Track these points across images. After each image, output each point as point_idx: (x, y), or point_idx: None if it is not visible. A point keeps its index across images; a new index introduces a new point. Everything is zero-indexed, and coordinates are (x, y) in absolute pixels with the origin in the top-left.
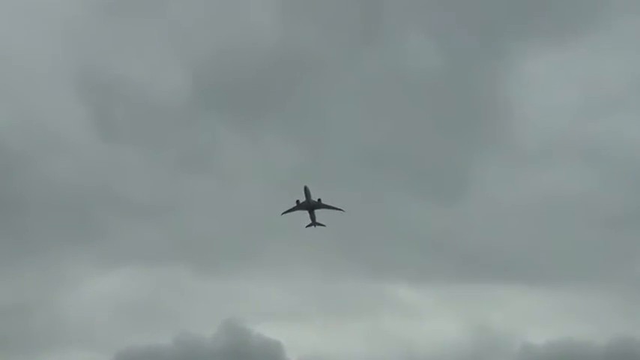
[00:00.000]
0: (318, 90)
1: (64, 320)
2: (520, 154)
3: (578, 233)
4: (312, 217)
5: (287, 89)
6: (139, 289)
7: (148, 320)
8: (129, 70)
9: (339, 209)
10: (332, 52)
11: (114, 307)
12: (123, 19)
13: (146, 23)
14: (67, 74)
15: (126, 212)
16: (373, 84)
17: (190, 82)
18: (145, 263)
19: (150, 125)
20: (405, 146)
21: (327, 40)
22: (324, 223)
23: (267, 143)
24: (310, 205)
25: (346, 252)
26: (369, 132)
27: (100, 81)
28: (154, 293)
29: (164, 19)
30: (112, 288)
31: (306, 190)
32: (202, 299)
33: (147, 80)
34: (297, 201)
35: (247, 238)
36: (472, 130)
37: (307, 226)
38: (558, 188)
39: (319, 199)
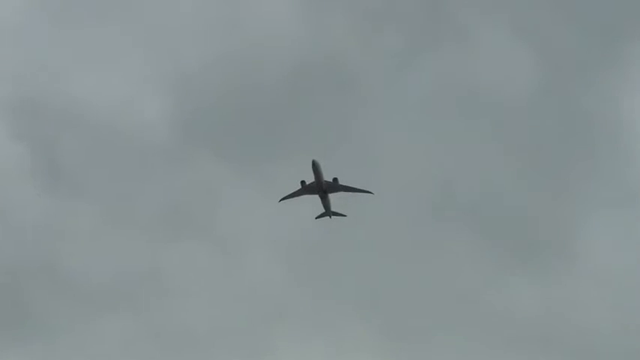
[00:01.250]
0: (355, 114)
1: None
2: None
3: None
4: (326, 205)
5: (311, 114)
6: None
7: None
8: (86, 92)
9: (366, 191)
10: (375, 59)
11: None
12: (80, 23)
13: (113, 28)
14: None
15: (81, 298)
16: (434, 104)
17: (173, 107)
18: None
19: (115, 170)
20: (481, 192)
21: (368, 42)
22: (344, 213)
23: (284, 191)
24: (321, 187)
25: (401, 350)
26: (428, 171)
27: (46, 108)
28: None
29: (136, 21)
30: None
31: (314, 166)
32: None
33: (112, 107)
34: (303, 182)
35: (257, 332)
36: (576, 169)
37: (318, 217)
38: None
39: (335, 179)
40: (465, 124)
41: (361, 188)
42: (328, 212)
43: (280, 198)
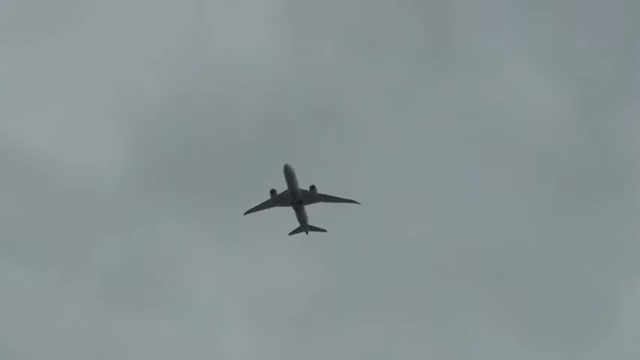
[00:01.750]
0: (346, 158)
1: None
2: None
3: None
4: (302, 218)
5: (293, 157)
6: None
7: None
8: (20, 133)
9: (351, 201)
10: (370, 91)
11: None
12: (13, 47)
13: (52, 55)
14: None
15: None
16: (441, 144)
17: (129, 153)
18: None
19: (57, 228)
20: (504, 253)
21: (362, 71)
22: (324, 228)
23: (261, 251)
24: (296, 197)
25: None
26: (435, 228)
27: None
28: None
29: (85, 48)
30: None
31: (287, 170)
32: None
33: (51, 151)
34: (273, 191)
35: None
36: (614, 219)
37: (292, 233)
38: None
39: (312, 187)
40: (479, 168)
41: (345, 197)
42: (304, 227)
43: (245, 211)
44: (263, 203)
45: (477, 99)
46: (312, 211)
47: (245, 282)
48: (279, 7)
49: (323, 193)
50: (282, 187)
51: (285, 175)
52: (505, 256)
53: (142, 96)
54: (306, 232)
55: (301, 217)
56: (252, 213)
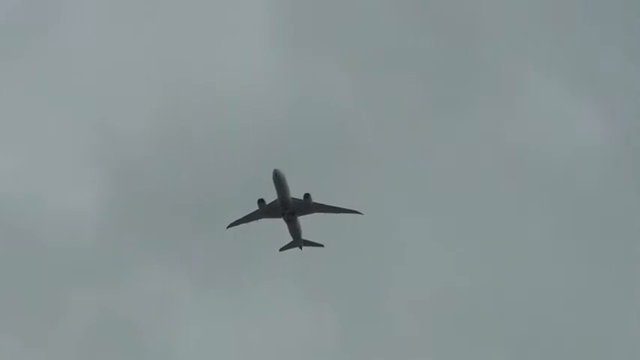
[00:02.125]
0: (352, 196)
1: None
2: None
3: None
4: (294, 230)
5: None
6: None
7: None
8: None
9: (352, 211)
10: (380, 122)
11: None
12: None
13: (23, 80)
14: None
15: None
16: (460, 180)
17: (109, 194)
18: None
19: (30, 280)
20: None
21: (371, 97)
22: (320, 243)
23: (260, 298)
24: (287, 207)
25: None
26: (451, 273)
27: None
28: None
29: (60, 71)
30: None
31: (276, 176)
32: None
33: (21, 196)
34: (261, 201)
35: None
36: None
37: (283, 249)
38: None
39: (307, 195)
40: (503, 206)
41: (345, 207)
42: (298, 242)
43: (229, 224)
44: (249, 215)
45: (506, 130)
46: (306, 223)
47: (235, 332)
48: (281, 27)
49: (319, 202)
50: (271, 196)
51: (275, 182)
52: (527, 307)
53: (125, 124)
54: (300, 248)
55: (294, 230)
56: (237, 226)
